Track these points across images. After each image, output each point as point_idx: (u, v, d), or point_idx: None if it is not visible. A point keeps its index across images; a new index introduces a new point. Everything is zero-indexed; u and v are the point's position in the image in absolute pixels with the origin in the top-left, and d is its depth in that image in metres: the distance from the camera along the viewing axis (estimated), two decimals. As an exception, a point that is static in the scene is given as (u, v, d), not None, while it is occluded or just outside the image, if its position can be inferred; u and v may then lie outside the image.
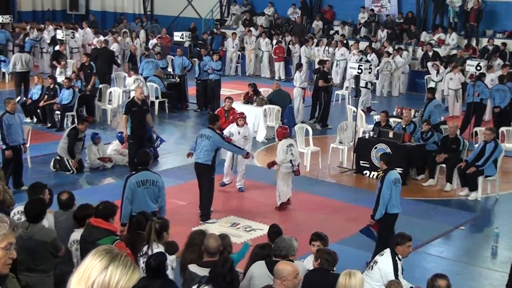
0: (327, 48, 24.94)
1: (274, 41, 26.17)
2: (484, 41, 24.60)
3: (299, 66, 19.23)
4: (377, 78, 22.37)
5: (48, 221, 7.19)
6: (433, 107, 15.50)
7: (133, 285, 2.67)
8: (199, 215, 11.09)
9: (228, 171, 12.72)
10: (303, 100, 18.36)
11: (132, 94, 18.24)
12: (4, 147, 11.79)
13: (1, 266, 3.49)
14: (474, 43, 24.80)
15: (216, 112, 14.71)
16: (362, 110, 19.14)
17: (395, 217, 9.35)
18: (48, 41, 25.01)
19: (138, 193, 8.58)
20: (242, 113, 12.92)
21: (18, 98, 19.50)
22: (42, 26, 28.00)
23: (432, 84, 20.59)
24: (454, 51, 23.92)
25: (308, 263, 7.28)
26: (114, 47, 23.65)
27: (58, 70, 19.73)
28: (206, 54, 20.18)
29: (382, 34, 26.19)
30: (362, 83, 19.85)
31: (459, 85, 19.98)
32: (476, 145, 13.74)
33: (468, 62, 16.86)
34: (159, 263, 6.11)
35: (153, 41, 25.78)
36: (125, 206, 8.60)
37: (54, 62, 19.60)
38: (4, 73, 23.18)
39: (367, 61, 20.65)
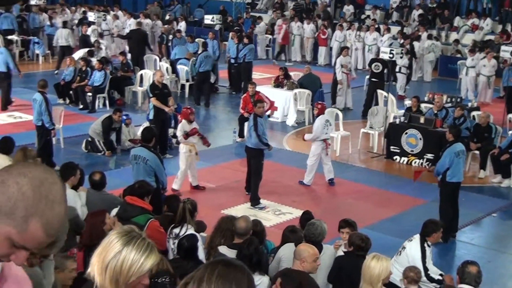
0: (358, 32, 24.70)
1: (305, 24, 25.93)
2: (520, 27, 24.18)
3: (342, 50, 19.05)
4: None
5: (81, 199, 7.29)
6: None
7: (148, 269, 2.66)
8: (250, 200, 11.06)
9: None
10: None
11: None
12: (52, 127, 12.05)
13: None
14: (509, 28, 24.35)
15: (242, 98, 14.66)
16: (400, 95, 18.98)
17: (455, 186, 9.77)
18: (76, 22, 25.37)
19: (134, 166, 9.06)
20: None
21: (57, 71, 20.12)
22: (73, 8, 28.30)
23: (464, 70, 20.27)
24: (489, 37, 23.48)
25: (339, 251, 7.24)
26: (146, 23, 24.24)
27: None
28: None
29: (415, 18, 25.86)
30: (397, 68, 19.58)
31: (493, 72, 19.65)
32: (510, 132, 13.57)
33: (503, 48, 16.53)
34: (191, 245, 6.17)
35: (182, 24, 25.78)
36: None
37: (93, 48, 19.73)
38: (38, 54, 23.46)
39: (402, 45, 20.40)
